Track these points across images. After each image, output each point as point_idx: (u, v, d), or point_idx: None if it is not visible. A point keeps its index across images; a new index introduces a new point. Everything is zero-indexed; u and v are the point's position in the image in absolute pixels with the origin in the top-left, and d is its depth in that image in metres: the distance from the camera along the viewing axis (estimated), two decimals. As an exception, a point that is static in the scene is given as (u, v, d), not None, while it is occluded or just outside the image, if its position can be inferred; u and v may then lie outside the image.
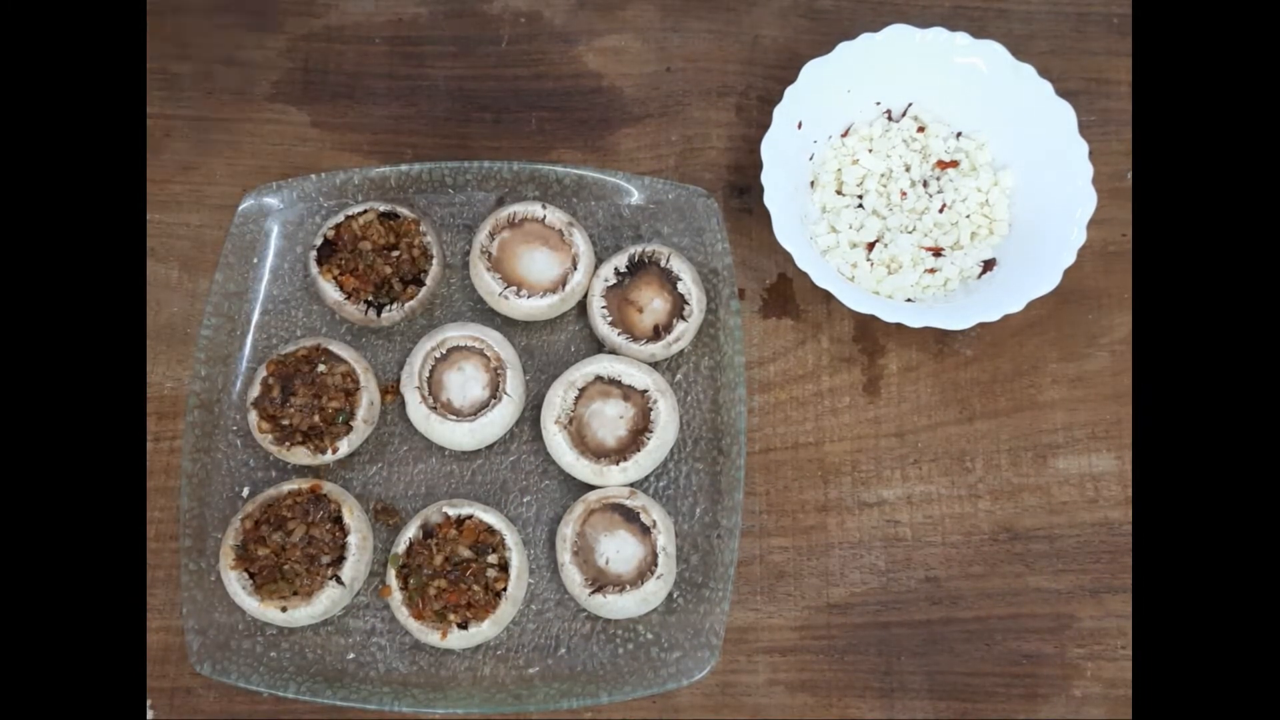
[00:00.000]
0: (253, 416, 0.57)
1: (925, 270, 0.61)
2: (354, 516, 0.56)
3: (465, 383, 0.58)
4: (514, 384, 0.58)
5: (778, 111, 0.60)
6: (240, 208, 0.62)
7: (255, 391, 0.58)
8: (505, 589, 0.54)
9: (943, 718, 0.56)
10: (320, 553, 0.55)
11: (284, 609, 0.54)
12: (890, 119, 0.64)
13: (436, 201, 0.63)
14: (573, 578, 0.55)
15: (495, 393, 0.58)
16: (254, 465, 0.59)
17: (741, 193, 0.65)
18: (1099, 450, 0.60)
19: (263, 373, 0.58)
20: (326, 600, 0.54)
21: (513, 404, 0.58)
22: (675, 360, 0.61)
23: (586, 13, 0.69)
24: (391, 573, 0.55)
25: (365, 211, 0.60)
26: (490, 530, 0.55)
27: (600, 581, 0.55)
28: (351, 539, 0.55)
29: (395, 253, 0.60)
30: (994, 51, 0.61)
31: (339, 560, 0.55)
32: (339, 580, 0.55)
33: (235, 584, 0.54)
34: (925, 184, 0.62)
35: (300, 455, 0.57)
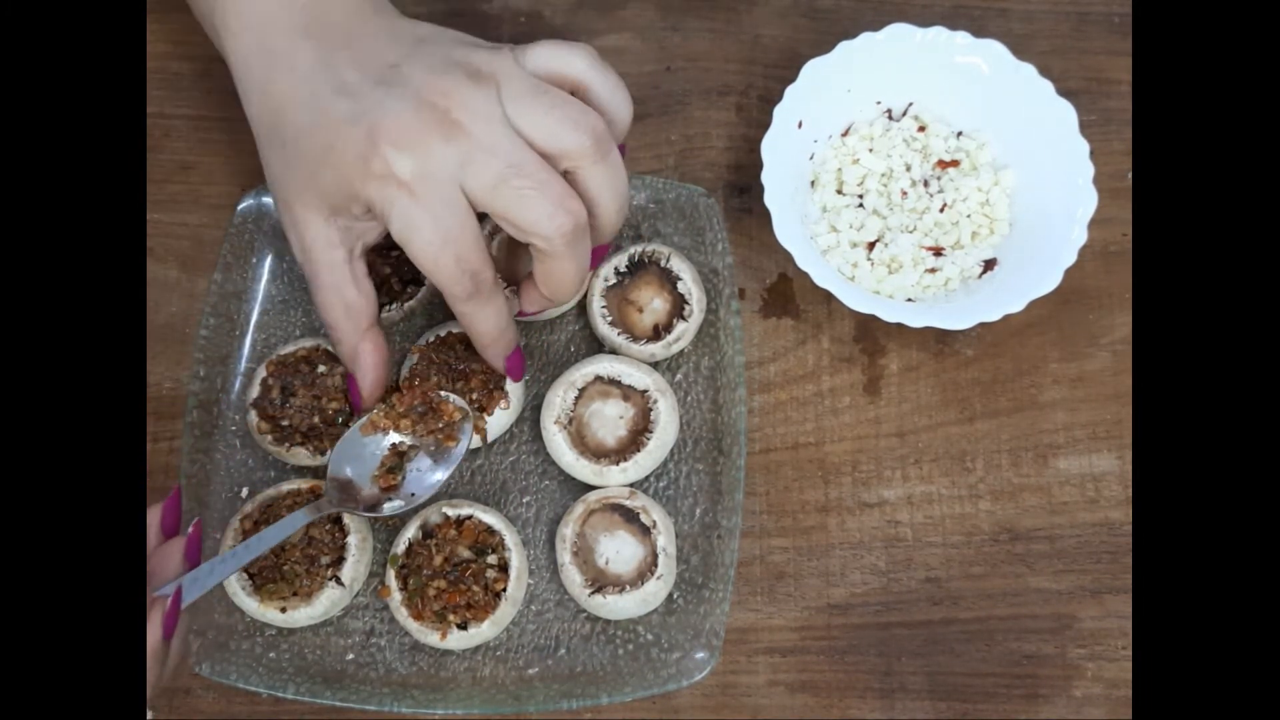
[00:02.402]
0: (252, 417, 0.57)
1: (926, 270, 0.61)
2: (353, 517, 0.56)
3: (465, 383, 0.58)
4: (514, 384, 0.57)
5: (778, 111, 0.60)
6: (239, 207, 0.62)
7: (254, 392, 0.57)
8: (505, 590, 0.54)
9: (943, 718, 0.56)
10: (320, 553, 0.55)
11: (283, 610, 0.54)
12: (891, 118, 0.64)
13: (436, 201, 0.63)
14: (572, 578, 0.55)
15: (495, 393, 0.58)
16: (253, 466, 0.59)
17: (741, 193, 0.65)
18: (1099, 450, 0.60)
19: (262, 373, 0.58)
20: (326, 601, 0.54)
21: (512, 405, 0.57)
22: (675, 360, 0.60)
23: (586, 12, 0.69)
24: (391, 573, 0.55)
25: (364, 211, 0.60)
26: (490, 531, 0.55)
27: (600, 582, 0.55)
28: (351, 539, 0.55)
29: (394, 252, 0.60)
30: (994, 51, 0.61)
31: (339, 561, 0.55)
32: (339, 581, 0.54)
33: (234, 585, 0.54)
34: (926, 183, 0.62)
35: (300, 455, 0.57)
